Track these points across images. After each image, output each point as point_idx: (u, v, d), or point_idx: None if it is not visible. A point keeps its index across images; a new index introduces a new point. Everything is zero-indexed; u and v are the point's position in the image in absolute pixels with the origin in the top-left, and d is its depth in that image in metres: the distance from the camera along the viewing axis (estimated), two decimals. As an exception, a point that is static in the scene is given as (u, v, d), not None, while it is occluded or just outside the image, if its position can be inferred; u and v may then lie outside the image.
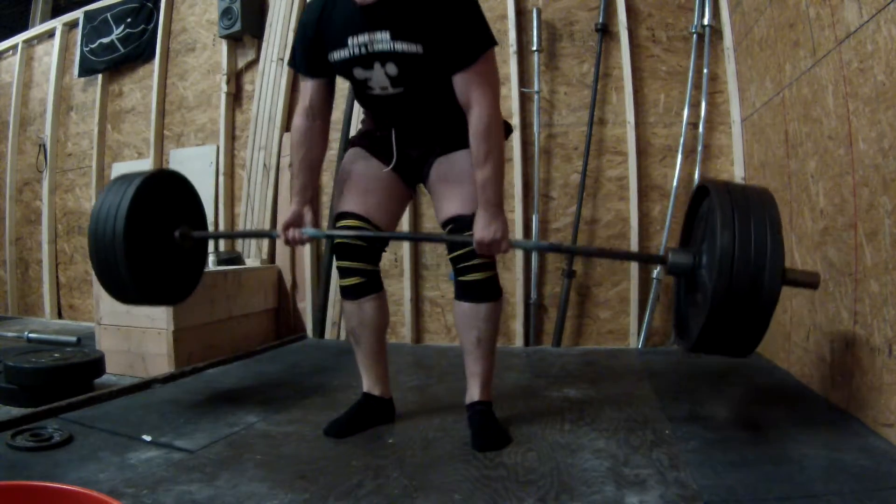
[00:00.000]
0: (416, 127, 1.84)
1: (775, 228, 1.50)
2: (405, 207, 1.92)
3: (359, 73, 1.74)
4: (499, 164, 1.69)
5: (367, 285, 1.86)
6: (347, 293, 1.87)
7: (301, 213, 1.85)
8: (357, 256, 1.83)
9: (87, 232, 1.90)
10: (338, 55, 1.73)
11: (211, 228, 3.97)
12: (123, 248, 1.82)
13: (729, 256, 1.47)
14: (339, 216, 1.86)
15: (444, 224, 1.82)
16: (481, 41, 1.66)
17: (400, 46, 1.66)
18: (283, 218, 1.85)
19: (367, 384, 1.95)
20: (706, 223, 1.68)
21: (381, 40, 1.66)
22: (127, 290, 1.91)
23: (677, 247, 1.82)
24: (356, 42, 1.69)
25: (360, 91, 1.81)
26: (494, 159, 1.67)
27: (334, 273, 3.57)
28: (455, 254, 1.80)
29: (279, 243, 3.76)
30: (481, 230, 1.69)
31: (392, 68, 1.70)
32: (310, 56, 1.79)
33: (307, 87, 1.84)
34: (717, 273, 1.48)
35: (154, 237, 1.94)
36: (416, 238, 1.83)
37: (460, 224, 1.78)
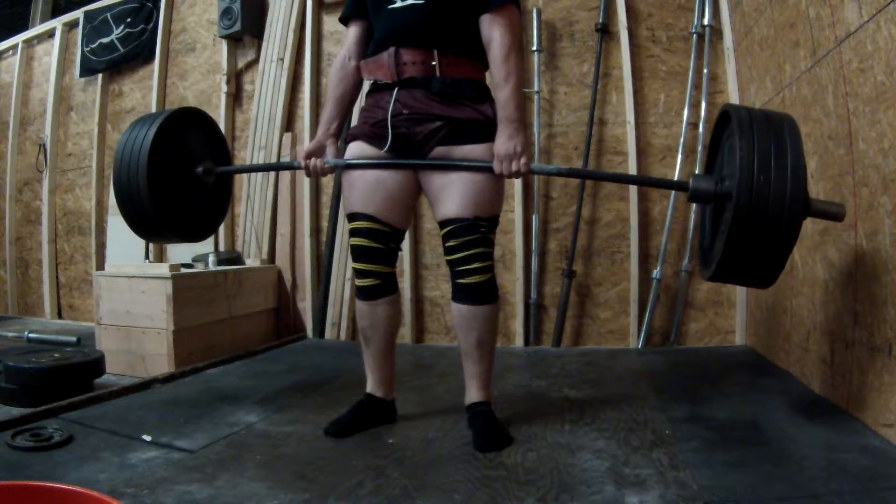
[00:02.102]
0: (422, 43, 1.76)
1: (797, 148, 1.47)
2: (415, 199, 1.91)
3: None
4: (519, 85, 1.74)
5: (383, 287, 1.87)
6: (362, 294, 1.88)
7: (324, 144, 1.90)
8: (373, 259, 1.84)
9: (112, 164, 1.96)
10: None
11: (212, 237, 3.98)
12: (147, 180, 1.85)
13: (749, 162, 1.45)
14: (351, 216, 1.87)
15: (442, 224, 1.80)
16: None
17: None
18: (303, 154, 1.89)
19: (371, 385, 1.96)
20: (727, 148, 1.65)
21: None
22: (148, 221, 1.93)
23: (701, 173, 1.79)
24: None
25: (380, 5, 1.81)
26: (514, 80, 1.72)
27: (334, 273, 3.58)
28: (453, 256, 1.79)
29: (279, 244, 3.78)
30: (502, 144, 1.71)
31: None
32: None
33: (348, 34, 1.94)
34: (738, 181, 1.44)
35: (177, 171, 1.97)
36: (430, 165, 1.85)
37: (459, 227, 1.76)
